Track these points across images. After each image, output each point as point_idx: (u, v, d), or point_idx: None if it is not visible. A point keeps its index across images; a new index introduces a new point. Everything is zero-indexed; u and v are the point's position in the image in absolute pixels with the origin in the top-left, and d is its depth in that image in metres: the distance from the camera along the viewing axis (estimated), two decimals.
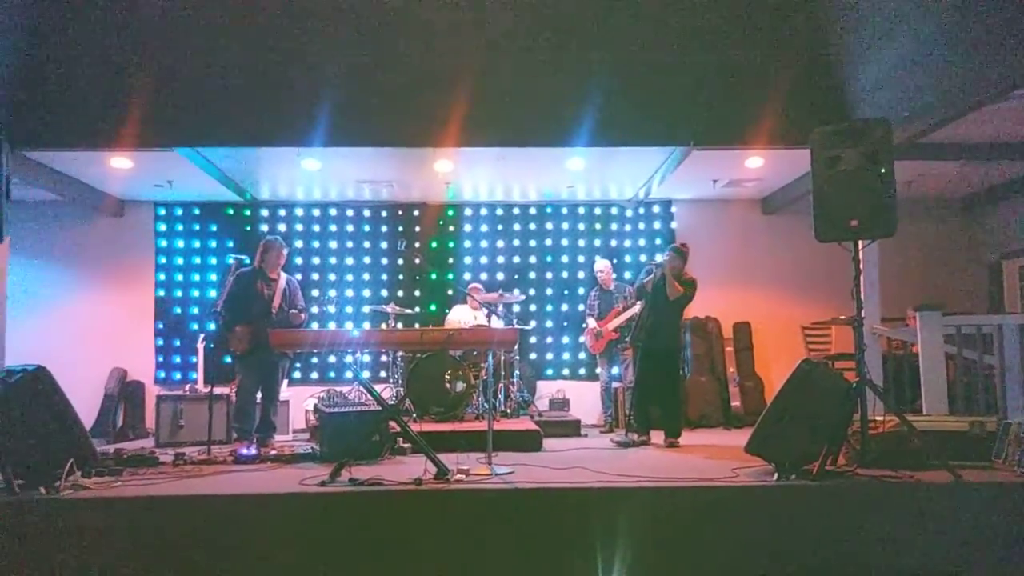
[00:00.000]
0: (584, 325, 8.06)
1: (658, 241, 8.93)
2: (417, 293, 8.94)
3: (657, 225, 9.11)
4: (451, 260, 9.00)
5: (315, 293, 8.28)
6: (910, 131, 6.10)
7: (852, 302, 4.71)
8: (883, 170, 4.50)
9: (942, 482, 4.05)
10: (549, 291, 9.03)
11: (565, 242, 9.08)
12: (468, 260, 9.03)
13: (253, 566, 3.75)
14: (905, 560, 3.84)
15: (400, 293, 8.85)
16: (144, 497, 4.00)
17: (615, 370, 7.85)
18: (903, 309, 7.36)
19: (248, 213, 8.88)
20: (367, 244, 8.98)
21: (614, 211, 9.12)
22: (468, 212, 9.07)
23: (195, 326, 8.65)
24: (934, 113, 5.84)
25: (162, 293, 8.73)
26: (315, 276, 8.84)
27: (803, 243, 6.10)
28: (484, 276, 8.90)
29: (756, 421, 4.59)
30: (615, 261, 8.47)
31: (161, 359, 8.67)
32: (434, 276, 8.84)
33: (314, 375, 8.78)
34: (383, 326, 7.80)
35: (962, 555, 3.84)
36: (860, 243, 4.75)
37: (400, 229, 8.99)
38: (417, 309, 8.70)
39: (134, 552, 3.75)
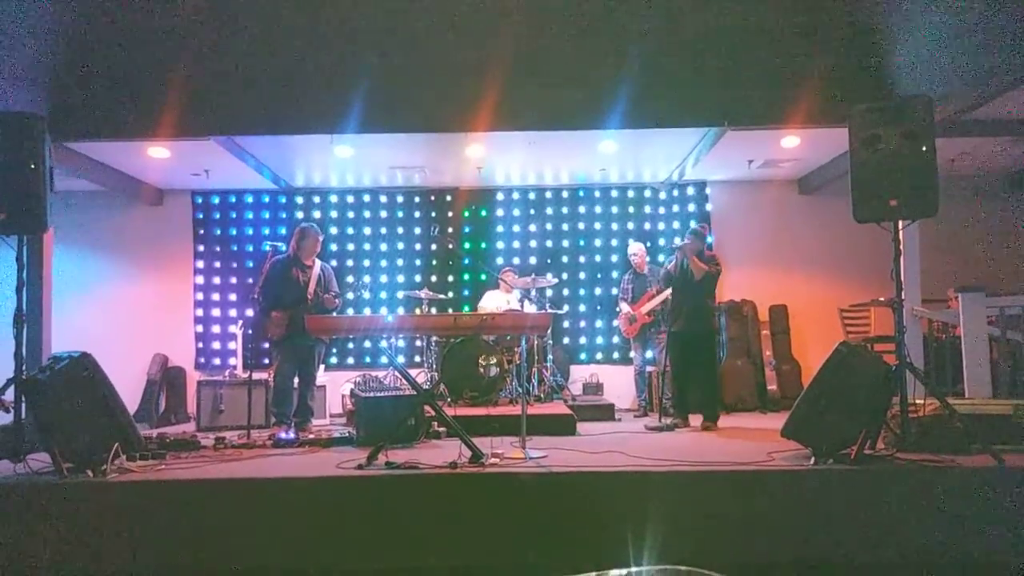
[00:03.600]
0: (618, 309, 8.03)
1: (692, 223, 8.83)
2: (450, 278, 8.97)
3: (691, 207, 9.01)
4: (483, 245, 9.02)
5: (349, 279, 8.36)
6: (953, 108, 5.94)
7: (892, 283, 4.62)
8: (924, 148, 4.40)
9: (985, 467, 3.97)
10: (582, 275, 9.00)
11: (598, 225, 9.04)
12: (501, 245, 9.03)
13: (291, 548, 3.82)
14: (946, 546, 3.78)
15: (433, 278, 8.89)
16: (187, 480, 4.10)
17: (649, 354, 7.81)
18: (945, 290, 7.19)
19: (283, 200, 8.98)
20: (400, 230, 9.02)
21: (647, 193, 9.05)
22: (500, 196, 9.06)
23: (233, 312, 8.79)
24: (977, 89, 5.67)
25: (201, 280, 8.89)
26: (349, 262, 8.92)
27: (841, 224, 5.99)
28: (517, 260, 8.90)
29: (793, 405, 4.54)
30: (649, 244, 8.40)
31: (201, 345, 8.83)
32: (467, 261, 8.87)
33: (350, 360, 8.88)
34: (417, 311, 7.86)
35: (1005, 541, 3.77)
36: (900, 223, 4.66)
37: (433, 214, 9.02)
38: (450, 294, 8.75)
39: (177, 533, 3.84)
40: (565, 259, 9.00)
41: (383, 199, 9.04)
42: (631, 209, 9.03)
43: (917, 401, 4.60)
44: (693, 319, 6.35)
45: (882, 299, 7.14)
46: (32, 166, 4.54)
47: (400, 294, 8.71)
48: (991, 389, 5.62)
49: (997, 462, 3.98)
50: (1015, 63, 5.30)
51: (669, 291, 6.96)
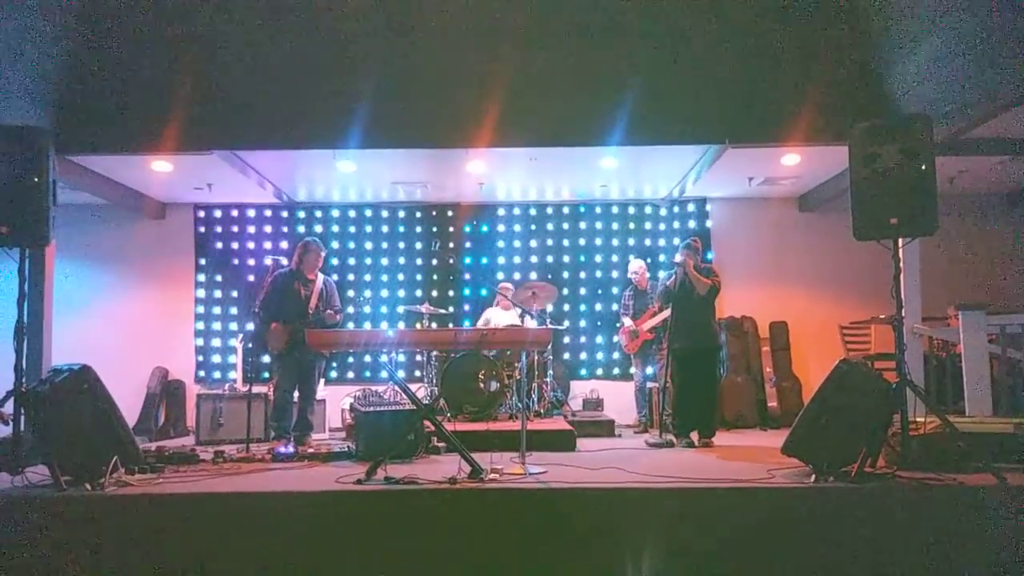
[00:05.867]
0: (618, 324, 8.03)
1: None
2: (451, 293, 8.98)
3: (692, 224, 9.03)
4: (484, 260, 9.03)
5: (351, 293, 8.37)
6: (952, 126, 5.97)
7: (892, 301, 4.63)
8: (923, 166, 4.41)
9: (986, 485, 3.96)
10: (582, 291, 9.01)
11: (598, 241, 9.06)
12: (502, 260, 9.05)
13: (290, 563, 3.81)
14: (947, 565, 3.76)
15: (434, 293, 8.90)
16: (185, 494, 4.08)
17: (650, 370, 7.80)
18: (945, 308, 7.19)
19: (285, 215, 9.01)
20: (401, 244, 9.05)
21: (648, 210, 9.07)
22: (501, 212, 9.09)
23: (234, 326, 8.80)
24: (977, 108, 5.71)
25: (202, 293, 8.90)
26: (351, 276, 8.94)
27: (841, 241, 6.01)
28: (517, 276, 8.92)
29: (793, 422, 4.53)
30: (649, 260, 8.41)
31: (201, 359, 8.83)
32: (467, 276, 8.88)
33: (350, 374, 8.88)
34: (417, 326, 7.86)
35: (1006, 560, 3.75)
36: (900, 241, 4.67)
37: (434, 229, 9.04)
38: (451, 309, 8.75)
39: (175, 547, 3.83)
40: (566, 275, 9.02)
41: (384, 214, 9.07)
42: (631, 225, 9.06)
43: (918, 419, 4.59)
44: (696, 335, 6.27)
45: (882, 316, 7.15)
46: (35, 179, 4.55)
47: (401, 308, 8.71)
48: (992, 407, 5.61)
49: (998, 480, 3.97)
50: (1013, 82, 5.33)
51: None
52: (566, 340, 8.89)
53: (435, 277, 9.02)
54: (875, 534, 3.82)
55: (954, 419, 4.45)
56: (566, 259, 9.05)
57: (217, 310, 8.89)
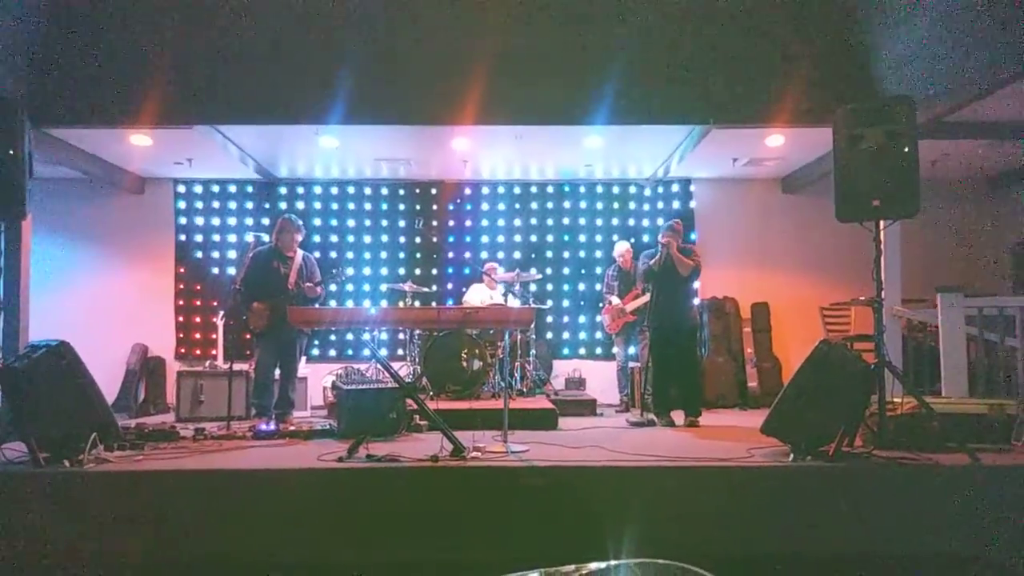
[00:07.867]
0: (602, 304, 8.04)
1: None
2: (434, 271, 8.95)
3: (676, 204, 9.04)
4: (468, 238, 9.00)
5: (333, 271, 8.33)
6: (935, 109, 5.98)
7: (872, 283, 4.67)
8: (906, 149, 4.44)
9: (961, 465, 4.03)
10: (566, 270, 9.01)
11: (583, 221, 9.04)
12: (485, 239, 9.02)
13: (270, 540, 3.81)
14: (922, 543, 3.83)
15: (417, 271, 8.86)
16: (165, 471, 4.07)
17: (632, 350, 7.84)
18: (924, 290, 7.27)
19: (267, 191, 8.91)
20: (384, 222, 8.99)
21: (632, 190, 9.07)
22: (485, 190, 9.05)
23: (215, 303, 8.73)
24: (960, 91, 5.72)
25: (182, 270, 8.81)
26: (333, 254, 8.88)
27: (823, 223, 6.04)
28: (501, 255, 8.90)
29: (773, 402, 4.57)
30: (633, 240, 8.41)
31: (181, 335, 8.76)
32: (450, 254, 8.85)
33: (332, 352, 8.85)
34: (400, 304, 7.84)
35: (980, 538, 3.82)
36: (881, 223, 4.70)
37: (417, 207, 8.99)
38: (434, 287, 8.73)
39: (155, 524, 3.82)
40: (549, 254, 9.00)
41: (367, 191, 8.99)
42: (616, 205, 9.05)
43: (895, 399, 4.66)
44: (677, 315, 6.33)
45: (862, 298, 7.18)
46: (10, 152, 4.48)
47: (384, 287, 8.67)
48: (968, 388, 5.69)
49: (972, 460, 4.04)
50: (996, 66, 5.35)
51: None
52: (549, 319, 8.90)
53: (418, 255, 8.98)
54: (852, 512, 3.88)
55: (931, 400, 4.51)
56: (550, 238, 9.03)
57: (198, 287, 8.80)
